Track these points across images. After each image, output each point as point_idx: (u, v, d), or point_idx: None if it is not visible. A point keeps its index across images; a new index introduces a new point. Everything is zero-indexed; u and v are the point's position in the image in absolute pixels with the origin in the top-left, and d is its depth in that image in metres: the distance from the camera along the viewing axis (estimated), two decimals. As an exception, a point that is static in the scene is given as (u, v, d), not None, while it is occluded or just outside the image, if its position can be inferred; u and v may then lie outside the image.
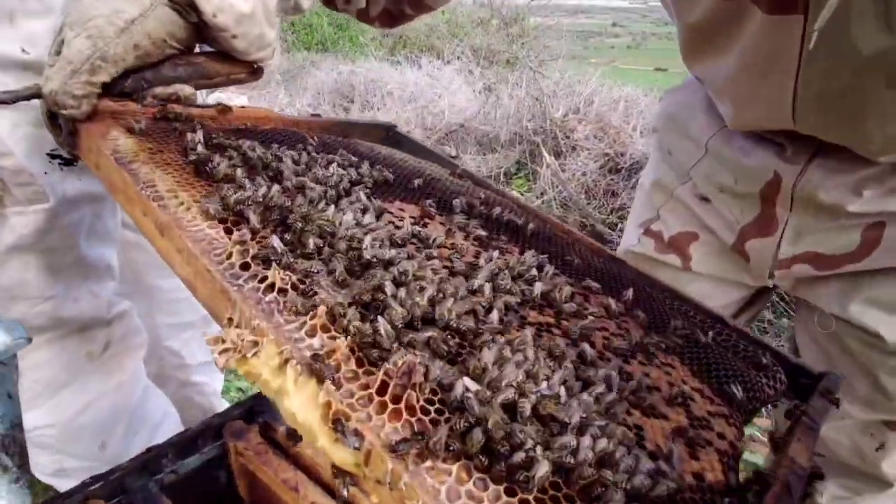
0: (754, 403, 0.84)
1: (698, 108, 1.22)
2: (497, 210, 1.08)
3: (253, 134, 1.03)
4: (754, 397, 0.84)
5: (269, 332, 0.60)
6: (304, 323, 0.62)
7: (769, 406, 0.98)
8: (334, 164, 1.01)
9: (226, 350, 0.59)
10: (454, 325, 0.66)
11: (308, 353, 0.58)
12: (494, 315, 0.71)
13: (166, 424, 1.48)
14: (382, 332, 0.60)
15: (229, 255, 0.68)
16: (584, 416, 0.58)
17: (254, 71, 1.11)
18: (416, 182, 1.07)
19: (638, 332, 0.86)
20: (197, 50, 1.02)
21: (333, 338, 0.62)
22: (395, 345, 0.61)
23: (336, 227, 0.78)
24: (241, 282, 0.66)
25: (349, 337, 0.61)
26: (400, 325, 0.63)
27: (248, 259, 0.68)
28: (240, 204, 0.76)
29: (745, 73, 0.97)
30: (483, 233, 0.98)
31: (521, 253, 0.96)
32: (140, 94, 0.97)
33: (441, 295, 0.70)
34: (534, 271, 0.89)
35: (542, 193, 4.70)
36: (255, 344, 0.59)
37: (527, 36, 8.01)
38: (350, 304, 0.65)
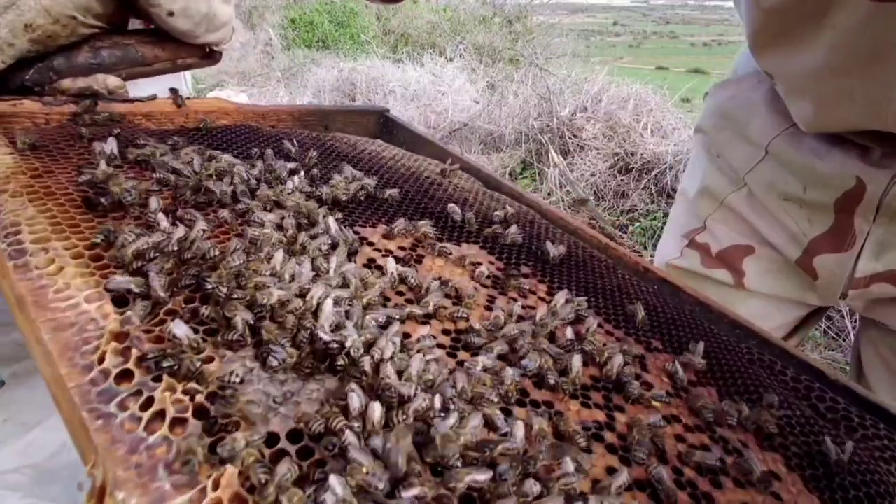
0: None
1: (759, 105, 1.05)
2: (513, 229, 0.82)
3: (197, 135, 0.78)
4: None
5: None
6: (204, 492, 0.37)
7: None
8: (298, 176, 0.75)
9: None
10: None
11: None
12: (519, 433, 0.45)
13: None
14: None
15: (102, 358, 0.43)
16: None
17: (207, 55, 0.89)
18: (409, 194, 0.81)
19: (724, 416, 0.60)
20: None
21: None
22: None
23: (284, 286, 0.52)
24: (112, 408, 0.40)
25: None
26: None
27: (131, 364, 0.43)
28: (139, 259, 0.50)
29: (836, 67, 0.82)
30: (496, 266, 0.72)
31: (549, 291, 0.70)
32: (47, 89, 0.73)
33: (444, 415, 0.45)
34: (569, 332, 0.62)
35: (549, 194, 4.47)
36: None
37: (529, 34, 7.80)
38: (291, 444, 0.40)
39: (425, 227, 0.74)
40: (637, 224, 4.10)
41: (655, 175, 4.37)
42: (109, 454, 0.39)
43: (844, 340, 2.77)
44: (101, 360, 0.43)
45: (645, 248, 3.75)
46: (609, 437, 0.54)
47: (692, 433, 0.58)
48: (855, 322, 2.79)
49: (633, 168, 4.50)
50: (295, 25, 8.62)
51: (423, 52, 7.55)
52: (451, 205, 0.81)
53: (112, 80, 0.79)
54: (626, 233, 4.05)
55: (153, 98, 0.81)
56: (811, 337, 2.86)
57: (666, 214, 4.04)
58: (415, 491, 0.39)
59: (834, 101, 0.86)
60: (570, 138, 4.92)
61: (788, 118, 0.96)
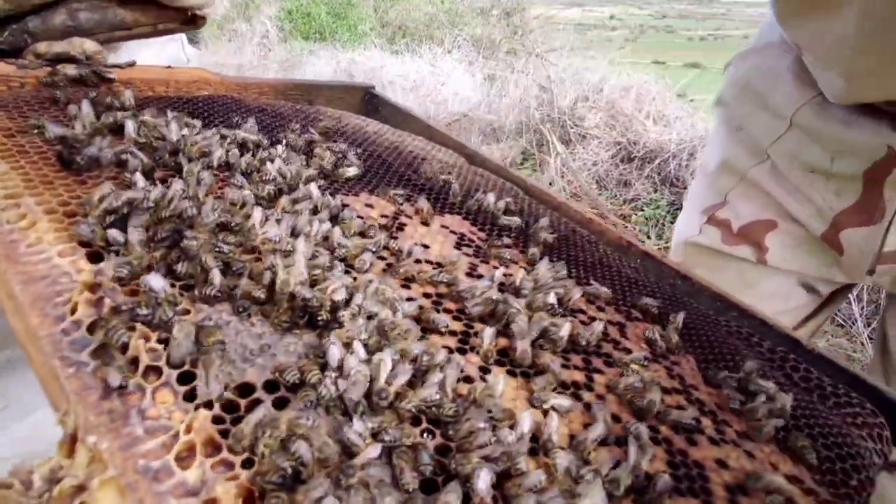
0: (867, 489, 0.57)
1: (783, 74, 1.00)
2: (491, 199, 0.81)
3: (179, 103, 0.78)
4: (867, 479, 0.57)
5: (111, 459, 0.35)
6: (178, 435, 0.37)
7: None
8: (281, 146, 0.75)
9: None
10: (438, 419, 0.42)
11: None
12: (499, 388, 0.46)
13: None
14: (308, 463, 0.36)
15: (74, 308, 0.43)
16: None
17: (189, 20, 0.88)
18: (394, 165, 0.81)
19: (696, 380, 0.60)
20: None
21: (226, 465, 0.37)
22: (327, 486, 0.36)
23: (260, 242, 0.52)
24: (84, 356, 0.40)
25: (252, 469, 0.37)
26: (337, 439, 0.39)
27: (104, 314, 0.43)
28: (112, 213, 0.50)
29: (868, 34, 0.77)
30: (479, 235, 0.72)
31: (530, 262, 0.70)
32: (22, 52, 0.73)
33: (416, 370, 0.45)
34: (552, 297, 0.62)
35: (550, 184, 4.45)
36: (79, 491, 0.34)
37: (527, 25, 7.75)
38: (254, 405, 0.40)
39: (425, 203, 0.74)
40: (640, 213, 4.08)
41: (658, 164, 4.34)
42: (81, 400, 0.39)
43: (852, 327, 2.74)
44: (74, 310, 0.43)
45: (648, 238, 3.73)
46: (587, 396, 0.55)
47: (669, 395, 0.58)
48: (863, 309, 2.72)
49: (636, 157, 4.46)
50: (292, 17, 8.56)
51: (421, 43, 7.50)
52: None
53: (90, 45, 0.77)
54: (629, 222, 4.03)
55: (132, 65, 0.80)
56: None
57: (669, 203, 4.03)
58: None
59: (865, 71, 0.82)
60: (571, 128, 4.89)
61: (814, 87, 0.93)
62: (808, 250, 1.05)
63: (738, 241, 1.10)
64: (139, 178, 0.57)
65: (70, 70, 0.72)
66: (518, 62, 5.87)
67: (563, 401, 0.50)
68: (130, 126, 0.65)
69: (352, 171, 0.75)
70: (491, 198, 0.80)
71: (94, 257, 0.49)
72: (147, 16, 0.83)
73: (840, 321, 2.81)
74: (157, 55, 1.09)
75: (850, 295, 2.80)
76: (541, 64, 5.20)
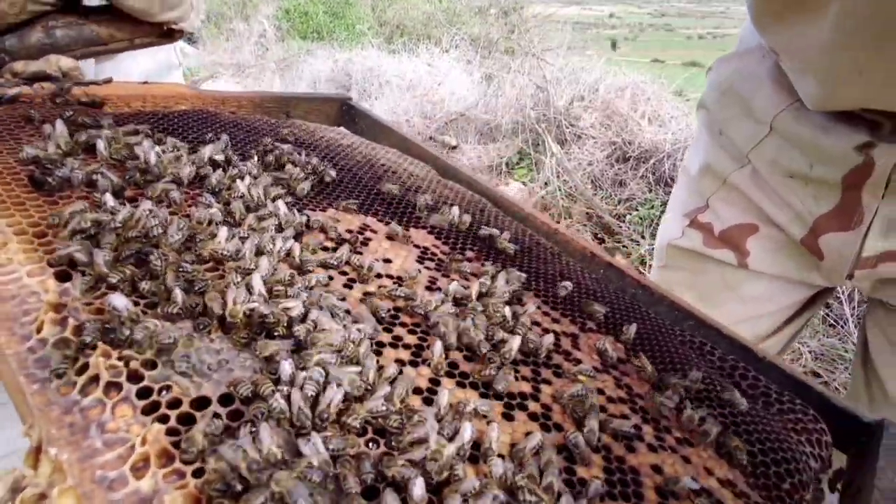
0: (800, 493, 0.60)
1: (763, 79, 1.00)
2: (454, 213, 0.83)
3: (154, 119, 0.80)
4: (800, 483, 0.60)
5: (70, 469, 0.38)
6: (134, 447, 0.40)
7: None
8: (251, 162, 0.78)
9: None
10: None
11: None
12: (443, 401, 0.49)
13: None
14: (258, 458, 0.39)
15: (40, 327, 0.46)
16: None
17: (165, 33, 0.89)
18: (364, 178, 0.83)
19: (643, 389, 0.63)
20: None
21: (177, 474, 0.40)
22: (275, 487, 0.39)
23: (224, 262, 0.55)
24: (48, 374, 0.44)
25: (201, 478, 0.40)
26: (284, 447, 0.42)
27: (69, 332, 0.46)
28: (79, 234, 0.53)
29: (844, 42, 0.77)
30: (442, 249, 0.75)
31: (491, 275, 0.73)
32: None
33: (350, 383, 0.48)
34: (506, 311, 0.65)
35: (545, 184, 4.46)
36: (40, 499, 0.37)
37: (526, 24, 7.74)
38: (210, 417, 0.43)
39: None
40: (635, 213, 4.09)
41: (653, 164, 4.34)
42: (44, 415, 0.42)
43: (843, 327, 2.76)
44: (39, 329, 0.46)
45: (643, 237, 3.73)
46: (532, 406, 0.58)
47: (614, 404, 0.61)
48: (854, 309, 2.72)
49: (631, 157, 4.46)
50: (289, 16, 8.57)
51: (418, 42, 7.51)
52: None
53: (65, 62, 0.79)
54: (623, 222, 4.04)
55: (109, 81, 0.82)
56: (808, 324, 2.85)
57: (664, 203, 4.03)
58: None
59: (842, 78, 0.82)
60: (567, 128, 4.90)
61: (794, 93, 0.94)
62: (788, 254, 1.06)
63: (719, 244, 1.11)
64: (109, 199, 0.59)
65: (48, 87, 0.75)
66: (515, 62, 5.88)
67: (483, 404, 0.53)
68: (101, 145, 0.68)
69: (306, 186, 0.78)
70: (455, 211, 0.83)
71: (63, 277, 0.52)
72: (122, 31, 0.85)
73: (831, 321, 2.81)
74: (151, 58, 1.10)
75: (840, 295, 2.81)
76: (537, 64, 5.20)
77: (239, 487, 0.40)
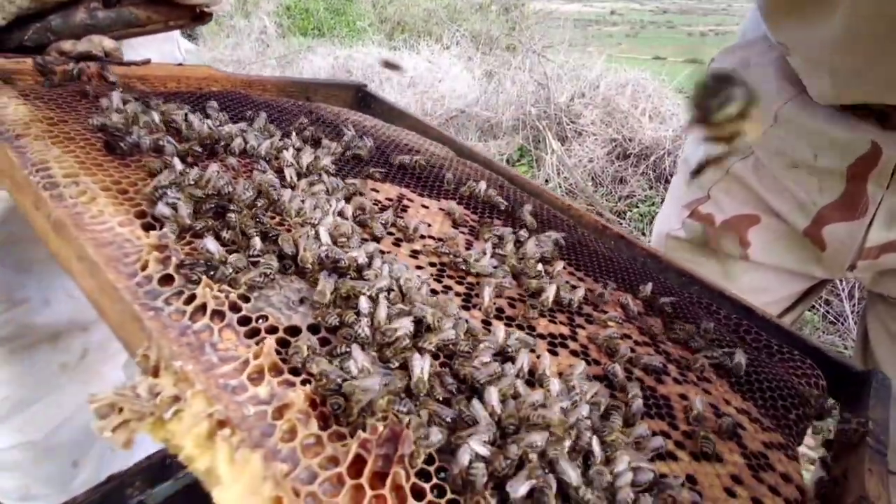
0: (804, 422, 0.67)
1: (768, 70, 1.01)
2: (482, 187, 0.90)
3: (192, 98, 0.86)
4: (804, 415, 0.67)
5: (196, 378, 0.43)
6: (247, 362, 0.45)
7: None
8: (293, 136, 0.84)
9: (125, 422, 0.42)
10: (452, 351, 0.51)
11: (252, 412, 0.41)
12: (500, 334, 0.55)
13: (149, 442, 1.30)
14: (356, 373, 0.44)
15: (145, 266, 0.51)
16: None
17: (197, 16, 0.91)
18: (393, 156, 0.90)
19: (663, 336, 0.70)
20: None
21: (288, 384, 0.45)
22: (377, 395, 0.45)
23: (291, 217, 0.61)
24: (159, 303, 0.48)
25: (310, 383, 0.45)
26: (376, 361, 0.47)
27: (171, 269, 0.51)
28: (161, 189, 0.59)
29: (854, 38, 0.78)
30: (473, 216, 0.81)
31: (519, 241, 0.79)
32: (45, 50, 0.77)
33: (431, 314, 0.54)
34: (539, 266, 0.72)
35: (546, 181, 4.51)
36: (175, 400, 0.42)
37: (527, 20, 7.78)
38: (311, 334, 0.48)
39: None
40: (635, 210, 4.11)
41: (654, 161, 4.36)
42: (163, 335, 0.45)
43: (843, 324, 2.77)
44: (144, 267, 0.52)
45: (643, 234, 3.75)
46: (572, 345, 0.64)
47: (640, 347, 0.67)
48: (854, 306, 2.73)
49: (632, 154, 4.48)
50: (290, 13, 8.58)
51: (419, 39, 7.54)
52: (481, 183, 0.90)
53: (108, 43, 0.81)
54: (624, 219, 4.06)
55: (147, 62, 0.86)
56: (809, 321, 2.80)
57: (664, 200, 4.08)
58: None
59: (851, 74, 0.82)
60: (567, 124, 4.92)
61: (799, 83, 0.94)
62: (788, 246, 1.06)
63: (720, 234, 1.11)
64: (177, 162, 0.65)
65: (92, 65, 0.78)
66: (516, 59, 5.91)
67: (527, 338, 0.59)
68: (156, 117, 0.73)
69: (362, 152, 0.83)
70: (483, 185, 0.89)
71: (148, 228, 0.58)
72: (159, 13, 0.86)
73: (831, 318, 2.83)
74: (157, 51, 1.13)
75: (840, 293, 2.82)
76: (538, 60, 5.25)
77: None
